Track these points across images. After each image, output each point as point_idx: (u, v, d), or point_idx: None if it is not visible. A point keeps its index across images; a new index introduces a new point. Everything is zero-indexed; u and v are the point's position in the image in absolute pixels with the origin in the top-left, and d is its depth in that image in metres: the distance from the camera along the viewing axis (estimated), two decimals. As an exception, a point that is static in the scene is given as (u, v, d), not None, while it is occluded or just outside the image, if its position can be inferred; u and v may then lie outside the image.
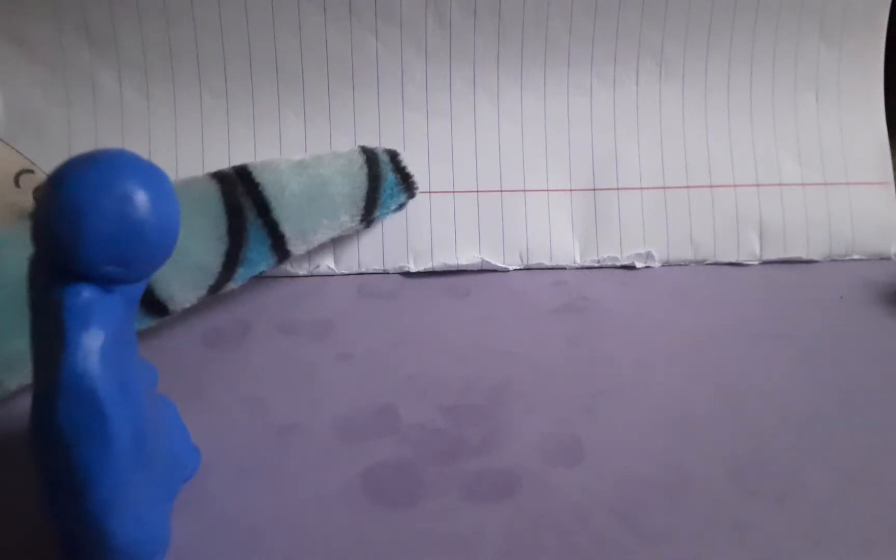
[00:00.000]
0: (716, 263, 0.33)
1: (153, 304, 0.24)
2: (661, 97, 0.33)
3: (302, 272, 0.31)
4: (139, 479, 0.15)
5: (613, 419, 0.23)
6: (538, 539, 0.18)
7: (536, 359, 0.26)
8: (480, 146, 0.32)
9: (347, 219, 0.27)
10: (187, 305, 0.25)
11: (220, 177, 0.25)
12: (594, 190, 0.33)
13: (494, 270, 0.32)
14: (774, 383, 0.25)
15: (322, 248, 0.31)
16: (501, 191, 0.32)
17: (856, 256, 0.34)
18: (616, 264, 0.32)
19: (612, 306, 0.29)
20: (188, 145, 0.31)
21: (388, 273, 0.31)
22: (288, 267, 0.30)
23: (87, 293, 0.14)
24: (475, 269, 0.31)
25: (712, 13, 0.33)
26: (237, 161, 0.31)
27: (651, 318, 0.28)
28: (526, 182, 0.32)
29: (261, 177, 0.25)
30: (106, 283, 0.14)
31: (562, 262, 0.32)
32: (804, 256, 0.33)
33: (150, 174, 0.15)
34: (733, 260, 0.33)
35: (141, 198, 0.14)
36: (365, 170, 0.28)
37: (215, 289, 0.25)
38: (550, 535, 0.18)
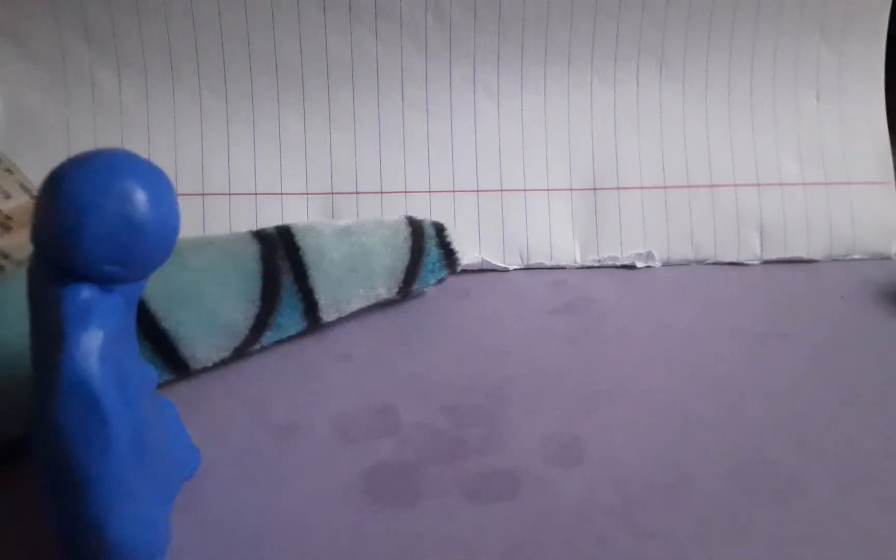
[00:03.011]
0: (716, 263, 0.33)
1: (175, 361, 0.23)
2: (662, 97, 0.33)
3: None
4: (139, 479, 0.15)
5: (613, 419, 0.23)
6: (538, 539, 0.18)
7: (537, 359, 0.26)
8: (480, 146, 0.32)
9: (384, 291, 0.27)
10: (209, 365, 0.24)
11: (262, 237, 0.25)
12: (594, 189, 0.33)
13: (494, 270, 0.32)
14: (774, 383, 0.25)
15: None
16: (501, 191, 0.32)
17: (856, 256, 0.34)
18: (616, 264, 0.32)
19: (612, 306, 0.29)
20: (187, 145, 0.31)
21: (388, 273, 0.31)
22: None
23: (86, 293, 0.14)
24: (475, 269, 0.31)
25: (713, 13, 0.33)
26: (236, 161, 0.31)
27: (651, 318, 0.28)
28: (526, 182, 0.32)
29: (303, 241, 0.25)
30: (105, 282, 0.14)
31: (562, 262, 0.32)
32: (805, 256, 0.33)
33: (149, 174, 0.15)
34: (734, 260, 0.33)
35: (140, 197, 0.14)
36: (409, 242, 0.27)
37: (240, 350, 0.24)
38: (550, 535, 0.18)
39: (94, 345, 0.14)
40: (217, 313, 0.23)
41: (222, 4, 0.30)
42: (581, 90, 0.33)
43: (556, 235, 0.32)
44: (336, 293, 0.25)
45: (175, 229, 0.15)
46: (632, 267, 0.32)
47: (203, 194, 0.31)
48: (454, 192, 0.32)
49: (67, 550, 0.15)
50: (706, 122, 0.33)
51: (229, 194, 0.31)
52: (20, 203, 0.24)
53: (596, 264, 0.32)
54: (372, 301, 0.27)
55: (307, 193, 0.31)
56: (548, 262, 0.32)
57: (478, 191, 0.32)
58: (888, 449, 0.22)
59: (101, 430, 0.14)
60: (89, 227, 0.14)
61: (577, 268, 0.32)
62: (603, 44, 0.32)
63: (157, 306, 0.22)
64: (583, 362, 0.25)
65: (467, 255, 0.31)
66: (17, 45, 0.30)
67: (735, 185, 0.33)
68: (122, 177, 0.14)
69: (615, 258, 0.32)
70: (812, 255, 0.33)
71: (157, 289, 0.21)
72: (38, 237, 0.14)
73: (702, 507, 0.19)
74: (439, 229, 0.28)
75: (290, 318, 0.25)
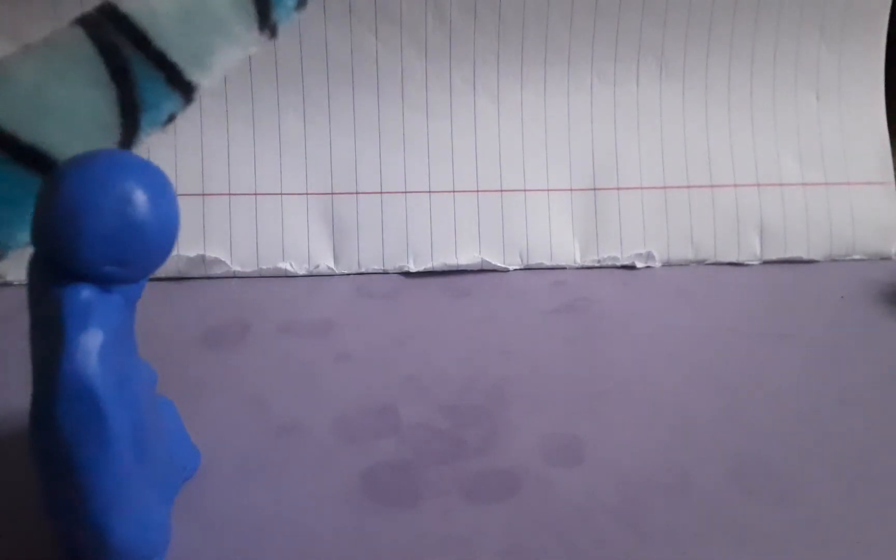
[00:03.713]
0: (716, 263, 0.33)
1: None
2: (662, 97, 0.33)
3: (302, 272, 0.31)
4: (139, 479, 0.15)
5: (613, 419, 0.23)
6: (538, 539, 0.18)
7: (536, 359, 0.26)
8: (480, 146, 0.32)
9: (243, 29, 0.24)
10: None
11: (82, 20, 0.22)
12: (594, 190, 0.33)
13: (494, 270, 0.32)
14: (774, 383, 0.25)
15: (321, 248, 0.31)
16: (501, 191, 0.32)
17: (856, 256, 0.34)
18: (616, 264, 0.32)
19: (612, 306, 0.29)
20: (187, 145, 0.31)
21: (388, 273, 0.31)
22: (287, 267, 0.30)
23: (86, 293, 0.14)
24: (475, 269, 0.31)
25: (713, 12, 0.33)
26: (237, 161, 0.31)
27: (651, 318, 0.28)
28: (526, 182, 0.32)
29: (127, 6, 0.22)
30: (105, 282, 0.14)
31: (562, 262, 0.32)
32: (805, 256, 0.33)
33: (149, 174, 0.15)
34: (734, 260, 0.33)
35: (140, 197, 0.14)
36: None
37: (127, 143, 0.22)
38: (550, 535, 0.18)
39: (94, 345, 0.14)
40: (75, 110, 0.21)
41: (222, 4, 0.30)
42: (581, 90, 0.33)
43: (556, 235, 0.32)
44: (190, 48, 0.23)
45: (175, 229, 0.15)
46: (632, 267, 0.32)
47: (203, 194, 0.31)
48: (454, 192, 0.32)
49: (67, 550, 0.15)
50: (706, 122, 0.33)
51: (229, 194, 0.31)
52: None
53: (596, 264, 0.32)
54: (241, 47, 0.24)
55: (307, 193, 0.31)
56: (548, 262, 0.32)
57: (478, 191, 0.32)
58: (888, 449, 0.22)
59: (100, 430, 0.14)
60: (89, 227, 0.14)
61: (577, 268, 0.32)
62: (603, 44, 0.32)
63: (10, 125, 0.19)
64: (583, 362, 0.25)
65: (467, 255, 0.31)
66: (17, 45, 0.30)
67: (735, 185, 0.33)
68: (121, 177, 0.14)
69: (615, 258, 0.32)
70: (812, 256, 0.33)
71: (2, 111, 0.19)
72: (37, 237, 0.14)
73: (702, 507, 0.19)
74: None
75: (156, 92, 0.22)
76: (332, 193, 0.31)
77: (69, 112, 0.21)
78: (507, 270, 0.32)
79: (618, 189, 0.33)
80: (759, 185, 0.33)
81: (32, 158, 0.20)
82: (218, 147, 0.31)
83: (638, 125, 0.33)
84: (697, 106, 0.33)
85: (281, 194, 0.31)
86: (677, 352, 0.26)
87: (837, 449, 0.22)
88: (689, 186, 0.33)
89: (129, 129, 0.22)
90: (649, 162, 0.33)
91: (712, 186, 0.33)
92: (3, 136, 0.20)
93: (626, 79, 0.33)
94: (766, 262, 0.33)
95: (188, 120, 0.31)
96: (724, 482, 0.20)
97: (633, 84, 0.33)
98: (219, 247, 0.30)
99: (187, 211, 0.30)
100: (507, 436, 0.22)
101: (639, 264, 0.32)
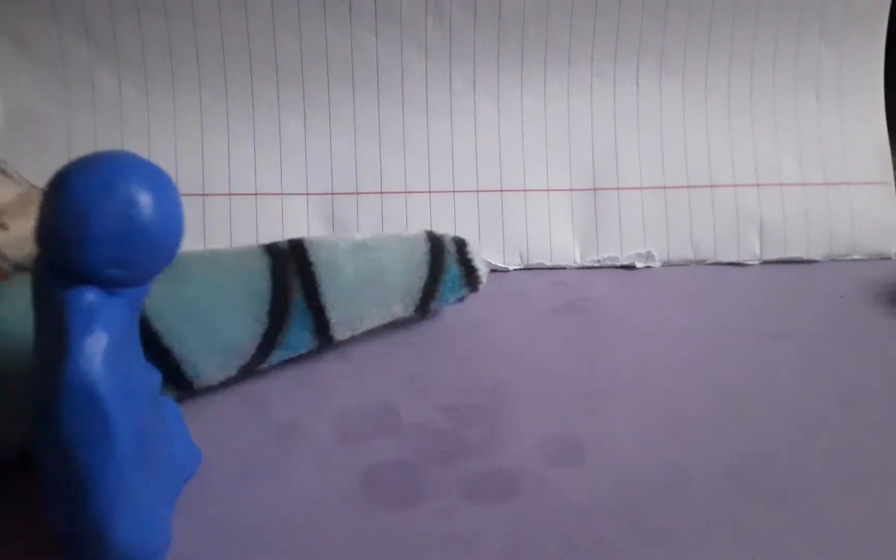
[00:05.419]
0: (716, 263, 0.33)
1: (178, 380, 0.22)
2: (662, 97, 0.33)
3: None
4: (141, 480, 0.15)
5: (613, 419, 0.23)
6: (538, 539, 0.18)
7: (537, 359, 0.26)
8: (480, 146, 0.32)
9: (400, 308, 0.25)
10: (213, 384, 0.23)
11: (272, 251, 0.23)
12: (594, 190, 0.33)
13: (494, 270, 0.32)
14: (774, 383, 0.25)
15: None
16: (501, 191, 0.32)
17: (856, 256, 0.34)
18: (616, 264, 0.32)
19: (612, 306, 0.29)
20: (187, 144, 0.31)
21: (388, 273, 0.31)
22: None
23: (90, 296, 0.14)
24: (475, 268, 0.31)
25: (713, 13, 0.33)
26: (236, 161, 0.31)
27: (651, 318, 0.28)
28: (526, 182, 0.32)
29: (315, 255, 0.24)
30: (109, 285, 0.14)
31: (562, 262, 0.32)
32: (804, 256, 0.33)
33: (153, 176, 0.15)
34: (734, 260, 0.33)
35: (144, 200, 0.14)
36: (428, 259, 0.26)
37: (246, 370, 0.23)
38: (551, 535, 0.18)
39: (98, 348, 0.14)
40: (221, 331, 0.22)
41: (222, 4, 0.30)
42: (581, 90, 0.33)
43: (556, 235, 0.32)
44: (349, 310, 0.24)
45: (179, 232, 0.15)
46: (632, 267, 0.32)
47: (203, 194, 0.31)
48: (454, 192, 0.32)
49: (69, 551, 0.15)
50: (706, 122, 0.34)
51: (229, 194, 0.31)
52: (12, 197, 0.24)
53: (596, 264, 0.32)
54: (387, 319, 0.26)
55: (307, 193, 0.31)
56: (548, 262, 0.32)
57: (478, 191, 0.32)
58: (888, 449, 0.22)
59: (104, 432, 0.14)
60: (93, 230, 0.14)
61: (577, 268, 0.32)
62: (603, 44, 0.32)
63: (160, 323, 0.21)
64: (583, 362, 0.25)
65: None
66: (17, 45, 0.30)
67: (735, 186, 0.33)
68: (125, 180, 0.14)
69: (615, 258, 0.32)
70: (811, 256, 0.33)
71: (160, 305, 0.21)
72: (42, 240, 0.14)
73: (702, 507, 0.19)
74: (460, 245, 0.27)
75: (299, 337, 0.24)
76: (332, 193, 0.31)
77: (214, 330, 0.22)
78: (507, 270, 0.32)
79: (617, 189, 0.33)
80: (758, 185, 0.33)
81: (161, 360, 0.21)
82: (218, 147, 0.31)
83: (638, 125, 0.33)
84: (697, 106, 0.33)
85: (281, 194, 0.31)
86: (677, 352, 0.26)
87: (837, 449, 0.22)
88: (688, 186, 0.33)
89: (257, 360, 0.24)
90: (649, 162, 0.33)
91: (712, 186, 0.33)
92: (149, 330, 0.21)
93: (626, 79, 0.33)
94: (765, 263, 0.33)
95: (189, 120, 0.31)
96: (724, 482, 0.20)
97: (633, 84, 0.33)
98: (220, 247, 0.30)
99: (188, 211, 0.30)
100: (507, 436, 0.22)
101: (639, 264, 0.32)
